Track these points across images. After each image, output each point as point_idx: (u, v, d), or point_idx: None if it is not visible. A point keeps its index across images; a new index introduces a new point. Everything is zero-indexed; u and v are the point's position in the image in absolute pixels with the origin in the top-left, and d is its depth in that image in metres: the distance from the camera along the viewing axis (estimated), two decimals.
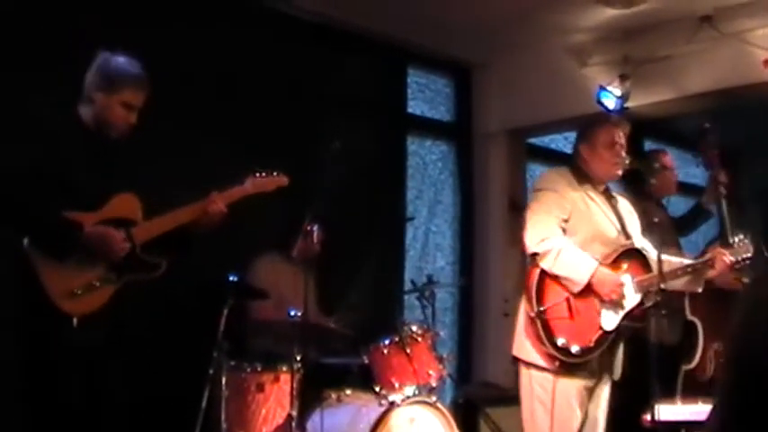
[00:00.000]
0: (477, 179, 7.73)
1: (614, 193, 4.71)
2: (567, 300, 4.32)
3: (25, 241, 3.75)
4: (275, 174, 4.60)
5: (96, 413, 3.90)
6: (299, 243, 4.75)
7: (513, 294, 6.92)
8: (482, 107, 7.74)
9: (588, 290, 4.30)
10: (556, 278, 4.34)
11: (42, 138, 3.85)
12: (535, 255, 4.38)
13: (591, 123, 4.75)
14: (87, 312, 3.81)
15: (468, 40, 7.10)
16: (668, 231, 5.49)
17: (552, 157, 8.20)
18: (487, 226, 7.62)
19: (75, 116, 3.99)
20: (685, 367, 5.47)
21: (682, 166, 9.09)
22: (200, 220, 4.23)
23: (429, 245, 7.48)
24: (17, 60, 4.86)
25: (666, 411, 4.20)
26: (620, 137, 4.57)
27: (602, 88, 6.49)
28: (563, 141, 8.27)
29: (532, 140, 8.10)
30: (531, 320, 4.32)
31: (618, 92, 6.45)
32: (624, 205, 4.69)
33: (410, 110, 7.44)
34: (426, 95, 7.62)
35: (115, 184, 3.99)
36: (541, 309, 4.29)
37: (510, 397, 4.93)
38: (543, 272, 4.36)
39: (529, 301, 4.36)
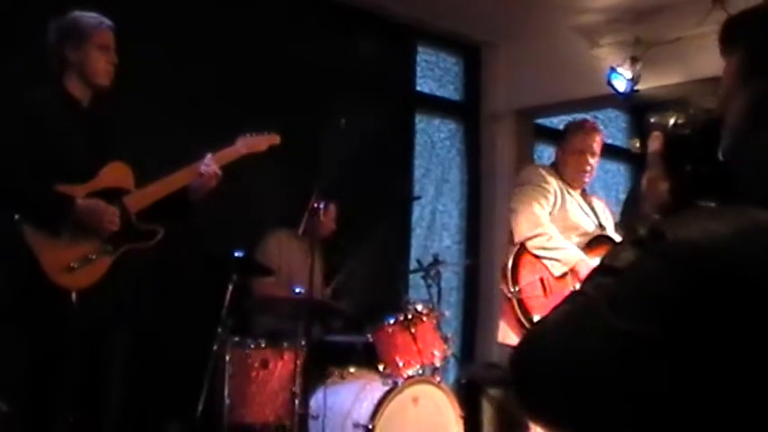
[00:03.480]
0: (484, 159, 7.71)
1: (591, 196, 4.93)
2: (542, 279, 4.46)
3: (16, 217, 3.67)
4: (266, 133, 4.48)
5: (98, 388, 3.88)
6: (306, 220, 4.74)
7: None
8: (491, 86, 7.70)
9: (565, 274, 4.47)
10: (531, 258, 4.50)
11: (29, 113, 3.76)
12: (524, 242, 4.52)
13: (566, 128, 4.97)
14: (85, 286, 3.74)
15: (477, 19, 7.06)
16: None
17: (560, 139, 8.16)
18: (494, 205, 7.59)
19: (61, 88, 3.90)
20: None
21: None
22: (196, 185, 4.11)
23: (435, 224, 7.47)
24: None
25: None
26: (591, 144, 4.70)
27: (613, 70, 6.45)
28: None
29: (541, 121, 8.06)
30: (509, 301, 4.47)
31: (628, 74, 6.41)
32: (599, 206, 4.88)
33: (419, 88, 7.41)
34: (435, 74, 7.59)
35: (106, 153, 3.91)
36: (517, 288, 4.41)
37: None
38: (518, 253, 4.51)
39: (505, 281, 4.49)
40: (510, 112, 7.63)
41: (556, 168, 4.82)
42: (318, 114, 5.88)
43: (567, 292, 4.23)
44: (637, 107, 7.28)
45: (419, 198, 7.05)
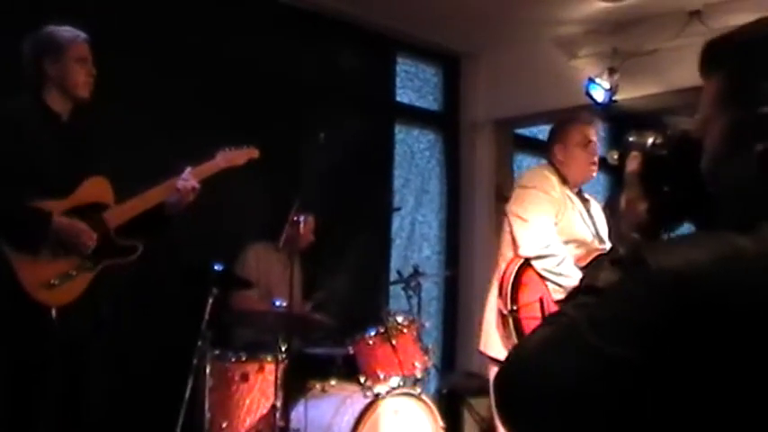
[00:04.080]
0: (463, 169, 7.73)
1: (587, 196, 4.74)
2: (541, 299, 4.31)
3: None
4: (245, 147, 4.51)
5: (80, 402, 3.87)
6: (286, 233, 4.75)
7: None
8: (470, 97, 7.73)
9: None
10: (533, 277, 4.34)
11: (5, 126, 3.74)
12: (531, 259, 4.34)
13: (563, 123, 4.73)
14: (66, 302, 3.74)
15: (457, 30, 7.09)
16: None
17: (539, 148, 8.17)
18: (474, 216, 7.63)
19: (39, 102, 3.89)
20: None
21: None
22: (174, 200, 4.11)
23: (415, 234, 7.47)
24: None
25: None
26: (594, 135, 4.58)
27: (591, 80, 6.49)
28: None
29: (520, 131, 8.09)
30: (504, 318, 4.32)
31: (606, 84, 6.45)
32: (596, 209, 4.72)
33: (398, 98, 7.41)
34: (415, 84, 7.60)
35: (86, 167, 3.91)
36: (515, 307, 4.28)
37: None
38: (520, 270, 4.34)
39: (503, 298, 4.34)
40: (489, 122, 7.66)
41: (556, 170, 4.60)
42: (298, 126, 5.88)
43: None
44: (615, 117, 7.32)
45: (399, 209, 7.04)
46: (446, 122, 7.77)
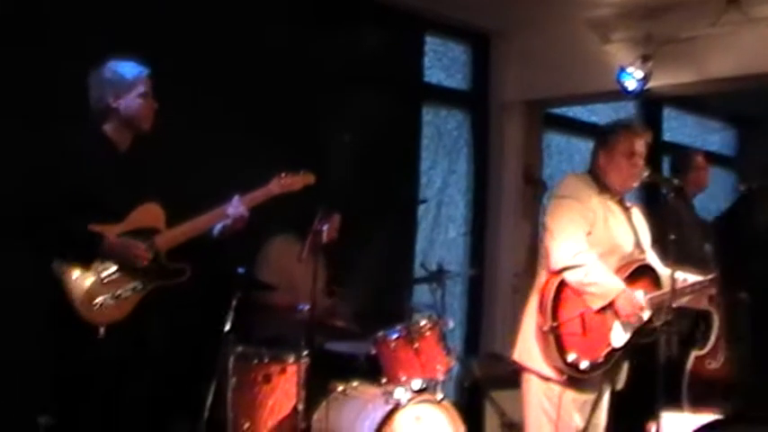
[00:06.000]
0: (492, 149, 7.62)
1: (629, 204, 4.63)
2: (582, 315, 4.25)
3: (55, 260, 3.88)
4: (302, 172, 4.60)
5: (118, 410, 4.07)
6: (309, 241, 4.72)
7: (524, 268, 6.90)
8: (500, 76, 7.59)
9: (605, 307, 4.25)
10: (573, 293, 4.28)
11: (68, 156, 3.96)
12: (563, 269, 4.29)
13: (610, 129, 4.62)
14: (113, 321, 3.94)
15: (487, 7, 6.95)
16: (692, 237, 5.41)
17: (569, 126, 8.10)
18: (501, 197, 7.55)
19: (100, 132, 4.09)
20: (696, 353, 5.50)
21: (701, 134, 9.00)
22: (223, 226, 4.32)
23: (441, 215, 7.40)
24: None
25: (671, 422, 4.19)
26: (640, 146, 4.47)
27: (623, 69, 6.37)
28: (580, 109, 8.15)
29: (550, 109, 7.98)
30: (544, 334, 4.26)
31: (639, 73, 6.32)
32: (638, 217, 4.62)
33: (427, 78, 7.30)
34: (443, 63, 7.48)
35: (141, 195, 4.09)
36: (555, 324, 4.23)
37: (516, 377, 4.85)
38: (560, 285, 4.29)
39: (543, 314, 4.27)
40: (518, 102, 7.54)
41: (596, 177, 4.53)
42: (325, 109, 5.87)
43: (604, 329, 4.01)
44: (648, 101, 7.20)
45: (425, 201, 6.98)
46: (475, 102, 7.65)
